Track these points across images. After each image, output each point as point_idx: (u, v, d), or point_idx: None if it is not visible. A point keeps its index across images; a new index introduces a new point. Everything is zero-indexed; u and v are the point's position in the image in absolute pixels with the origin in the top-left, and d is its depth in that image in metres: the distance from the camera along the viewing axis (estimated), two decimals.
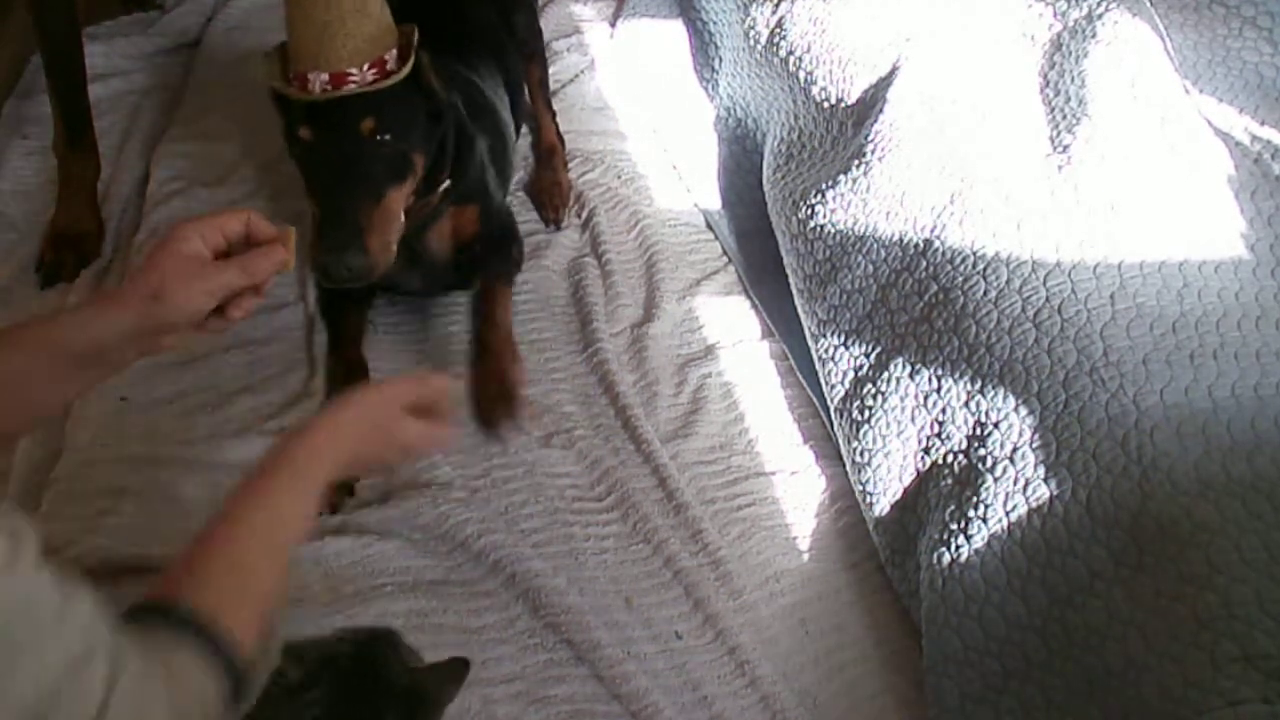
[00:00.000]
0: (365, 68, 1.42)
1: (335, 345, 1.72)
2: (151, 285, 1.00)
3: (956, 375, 1.52)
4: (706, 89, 2.38)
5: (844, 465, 1.70)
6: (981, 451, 1.45)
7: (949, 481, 1.48)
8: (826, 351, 1.75)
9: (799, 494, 1.71)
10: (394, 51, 1.45)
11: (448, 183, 1.62)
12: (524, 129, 2.18)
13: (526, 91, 2.17)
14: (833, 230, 1.79)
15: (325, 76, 1.40)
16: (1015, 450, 1.41)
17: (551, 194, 2.09)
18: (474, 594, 1.50)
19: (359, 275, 1.42)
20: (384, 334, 1.83)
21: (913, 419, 1.56)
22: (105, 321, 1.00)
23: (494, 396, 1.56)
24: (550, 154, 2.15)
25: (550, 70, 2.36)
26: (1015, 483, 1.39)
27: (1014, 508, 1.38)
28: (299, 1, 1.40)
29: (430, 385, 1.08)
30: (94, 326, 0.99)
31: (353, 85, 1.41)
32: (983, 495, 1.42)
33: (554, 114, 2.22)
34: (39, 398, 1.00)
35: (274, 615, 0.88)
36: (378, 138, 1.45)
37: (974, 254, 1.58)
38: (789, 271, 1.91)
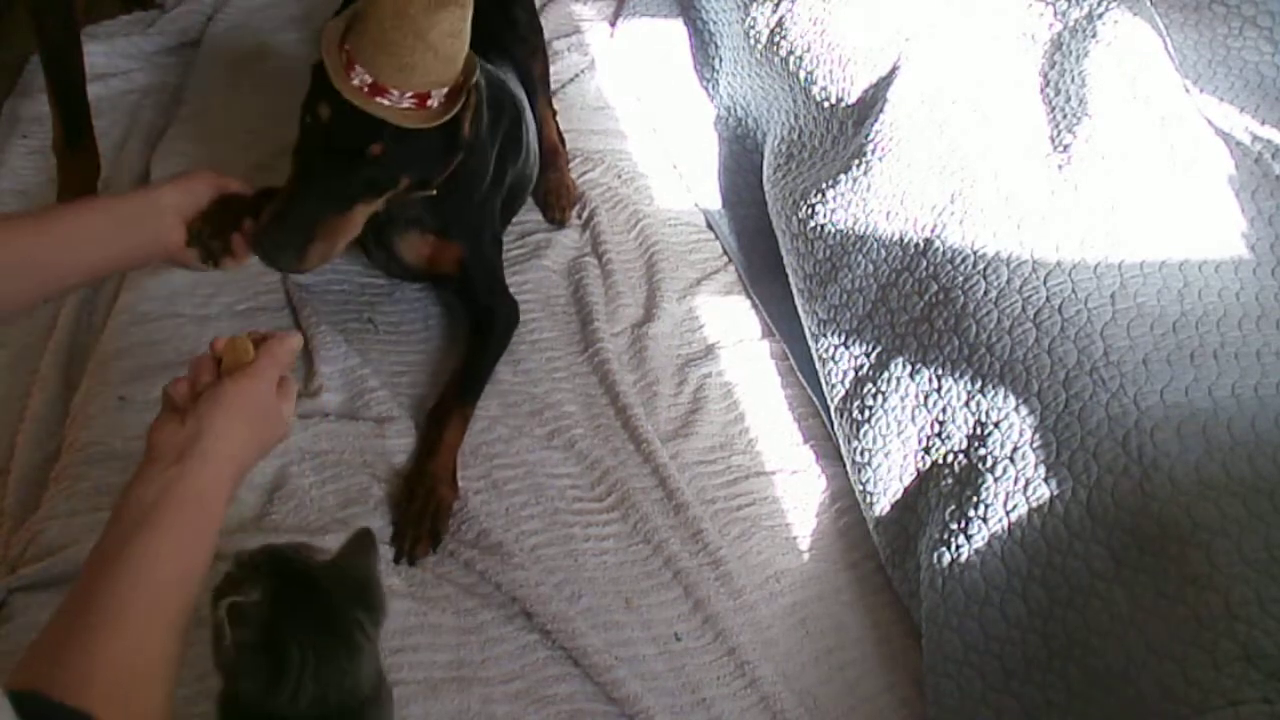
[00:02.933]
0: (407, 94, 1.40)
1: None
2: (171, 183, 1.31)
3: (957, 375, 1.52)
4: (707, 88, 2.38)
5: (844, 465, 1.70)
6: (982, 451, 1.45)
7: (949, 481, 1.48)
8: (827, 351, 1.75)
9: (799, 494, 1.71)
10: (444, 90, 1.43)
11: (432, 191, 1.59)
12: None
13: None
14: (833, 230, 1.79)
15: (369, 79, 1.38)
16: (1016, 450, 1.41)
17: (558, 194, 2.09)
18: (473, 594, 1.50)
19: (285, 270, 1.44)
20: (386, 333, 1.83)
21: (913, 418, 1.56)
22: (141, 196, 1.34)
23: (418, 512, 1.54)
24: (553, 154, 2.14)
25: (550, 70, 2.36)
26: (1016, 482, 1.39)
27: (1014, 507, 1.38)
28: (381, 7, 1.37)
29: (287, 351, 1.12)
30: (134, 194, 1.33)
31: (387, 102, 1.39)
32: (983, 495, 1.42)
33: (555, 112, 2.22)
34: (72, 262, 1.16)
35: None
36: (378, 161, 1.44)
37: (974, 253, 1.58)
38: (789, 271, 1.91)
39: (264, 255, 1.40)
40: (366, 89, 1.39)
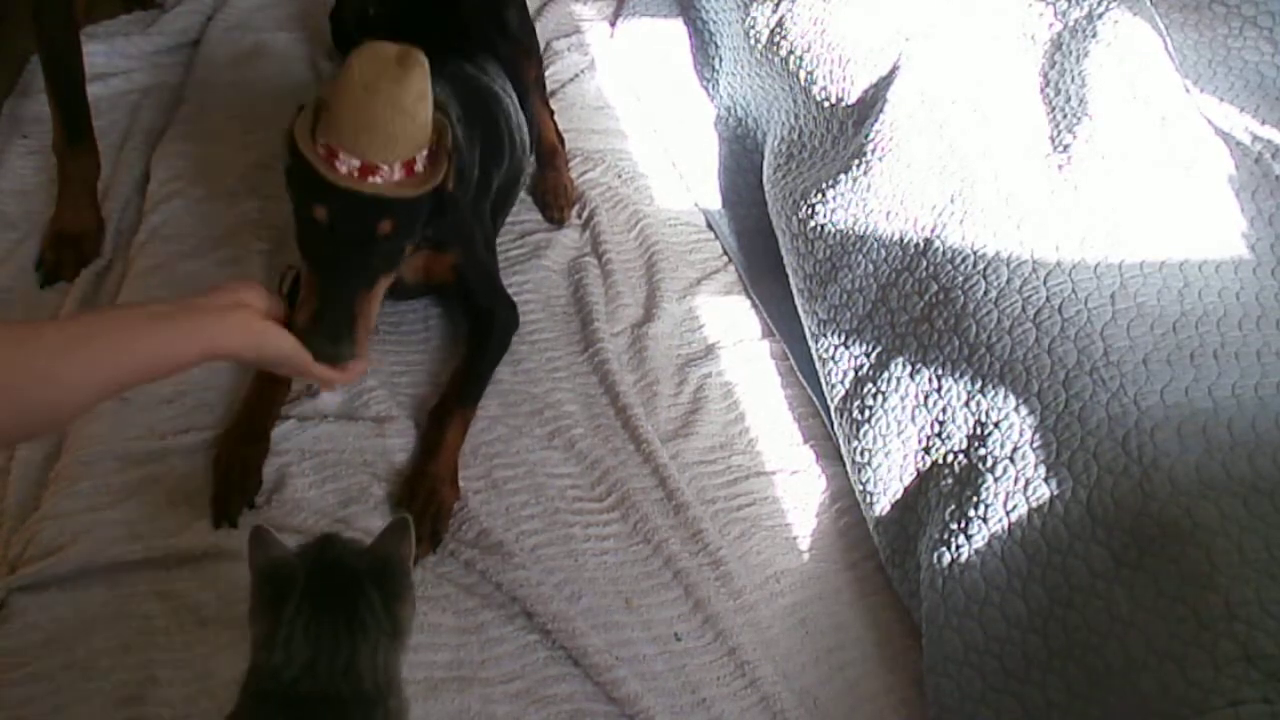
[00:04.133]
0: (397, 165, 1.40)
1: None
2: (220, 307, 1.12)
3: (957, 375, 1.52)
4: (707, 88, 2.38)
5: (844, 465, 1.70)
6: (982, 451, 1.45)
7: (949, 481, 1.48)
8: (827, 351, 1.75)
9: (799, 494, 1.71)
10: (425, 152, 1.44)
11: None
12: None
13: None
14: (833, 230, 1.79)
15: (356, 162, 1.38)
16: (1016, 450, 1.41)
17: (556, 194, 2.09)
18: (473, 594, 1.50)
19: (341, 360, 1.43)
20: (385, 334, 1.83)
21: (913, 418, 1.56)
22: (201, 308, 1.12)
23: (419, 513, 1.54)
24: (552, 154, 2.15)
25: (550, 70, 2.36)
26: (1016, 482, 1.39)
27: (1014, 507, 1.38)
28: (352, 85, 1.37)
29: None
30: (194, 306, 1.10)
31: (380, 180, 1.39)
32: (983, 495, 1.41)
33: (552, 112, 2.22)
34: (90, 387, 0.99)
35: None
36: (389, 237, 1.44)
37: (974, 254, 1.58)
38: (789, 271, 1.91)
39: (321, 353, 1.40)
40: (357, 173, 1.38)
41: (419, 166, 1.43)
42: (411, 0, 1.99)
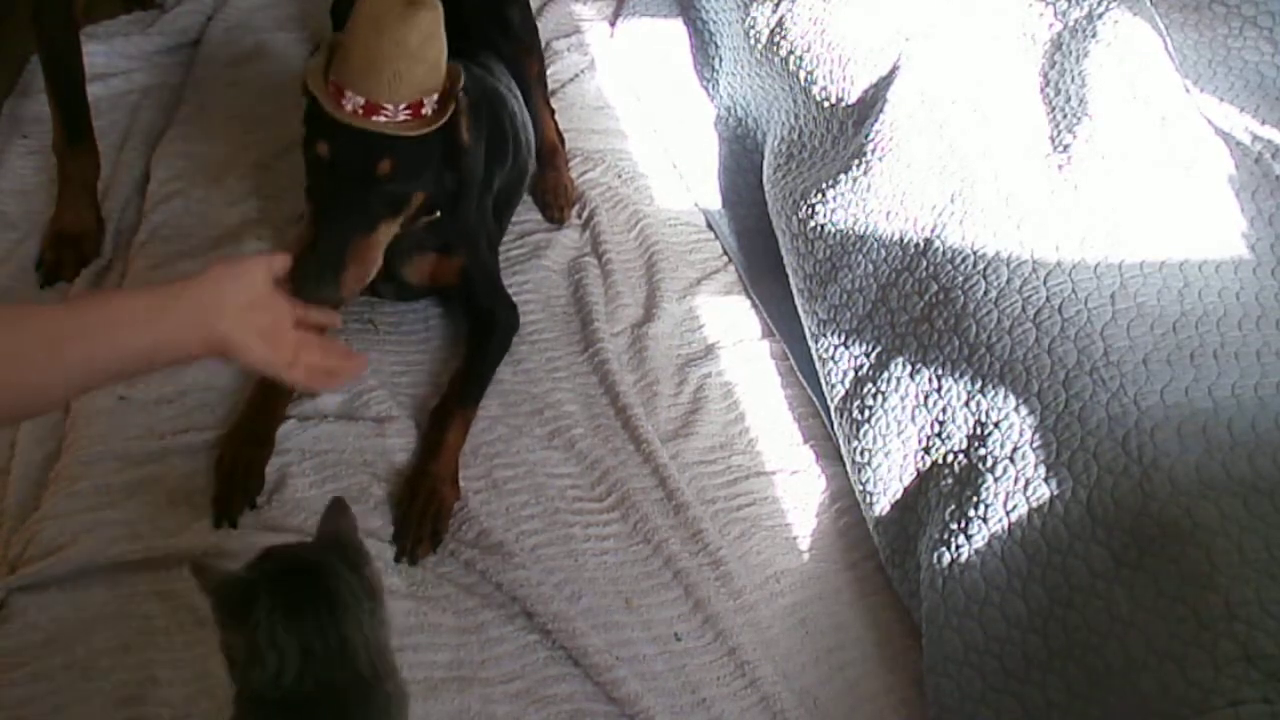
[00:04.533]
0: (401, 106, 1.42)
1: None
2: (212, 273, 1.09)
3: (957, 375, 1.52)
4: (707, 88, 2.38)
5: (844, 465, 1.70)
6: (982, 451, 1.45)
7: (949, 481, 1.48)
8: (827, 351, 1.75)
9: (799, 494, 1.71)
10: (435, 96, 1.46)
11: (436, 214, 1.62)
12: None
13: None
14: (833, 230, 1.79)
15: (361, 100, 1.41)
16: (1016, 450, 1.41)
17: (556, 193, 2.09)
18: (473, 594, 1.50)
19: (329, 302, 1.43)
20: (385, 334, 1.83)
21: (913, 418, 1.56)
22: (182, 285, 1.07)
23: (420, 513, 1.54)
24: (552, 154, 2.15)
25: (550, 69, 2.36)
26: (1016, 482, 1.39)
27: (1014, 507, 1.38)
28: (360, 24, 1.40)
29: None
30: (173, 287, 1.06)
31: (383, 118, 1.41)
32: (983, 495, 1.41)
33: (553, 112, 2.22)
34: (107, 351, 0.99)
35: None
36: (390, 177, 1.46)
37: (974, 254, 1.58)
38: (789, 271, 1.91)
39: (302, 291, 1.40)
40: (361, 111, 1.41)
41: (426, 110, 1.45)
42: None
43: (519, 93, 2.01)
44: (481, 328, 1.78)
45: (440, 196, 1.59)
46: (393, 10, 1.40)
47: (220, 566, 1.04)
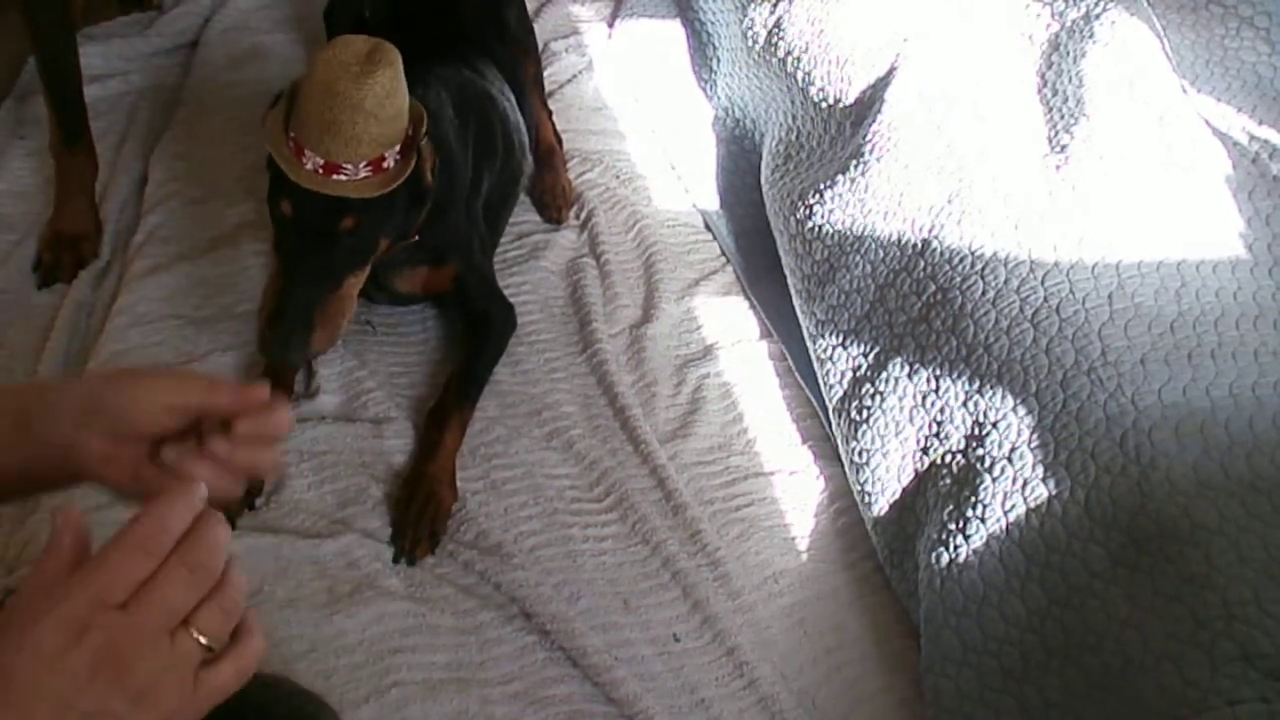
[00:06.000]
0: (362, 164, 1.40)
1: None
2: (110, 375, 0.87)
3: (955, 375, 1.52)
4: (705, 89, 2.38)
5: (842, 465, 1.70)
6: (980, 451, 1.45)
7: (947, 481, 1.48)
8: (825, 352, 1.75)
9: (797, 494, 1.71)
10: (396, 148, 1.44)
11: (414, 238, 1.61)
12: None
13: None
14: (831, 230, 1.79)
15: (320, 161, 1.39)
16: (1014, 450, 1.41)
17: (554, 194, 2.09)
18: (471, 595, 1.50)
19: (295, 364, 1.42)
20: (383, 334, 1.83)
21: (911, 419, 1.56)
22: (54, 390, 0.85)
23: (418, 515, 1.54)
24: (550, 154, 2.15)
25: (548, 70, 2.36)
26: (1014, 482, 1.39)
27: (1012, 508, 1.38)
28: (315, 86, 1.38)
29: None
30: (45, 392, 0.85)
31: (344, 177, 1.40)
32: (981, 495, 1.42)
33: (550, 113, 2.22)
34: None
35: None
36: (353, 232, 1.45)
37: (972, 254, 1.58)
38: (787, 272, 1.91)
39: (271, 355, 1.40)
40: (320, 170, 1.40)
41: (388, 163, 1.44)
42: (408, 1, 2.00)
43: (512, 95, 2.00)
44: (478, 329, 1.78)
45: (410, 226, 1.58)
46: (346, 73, 1.37)
47: None
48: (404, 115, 1.44)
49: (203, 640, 0.63)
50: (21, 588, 0.64)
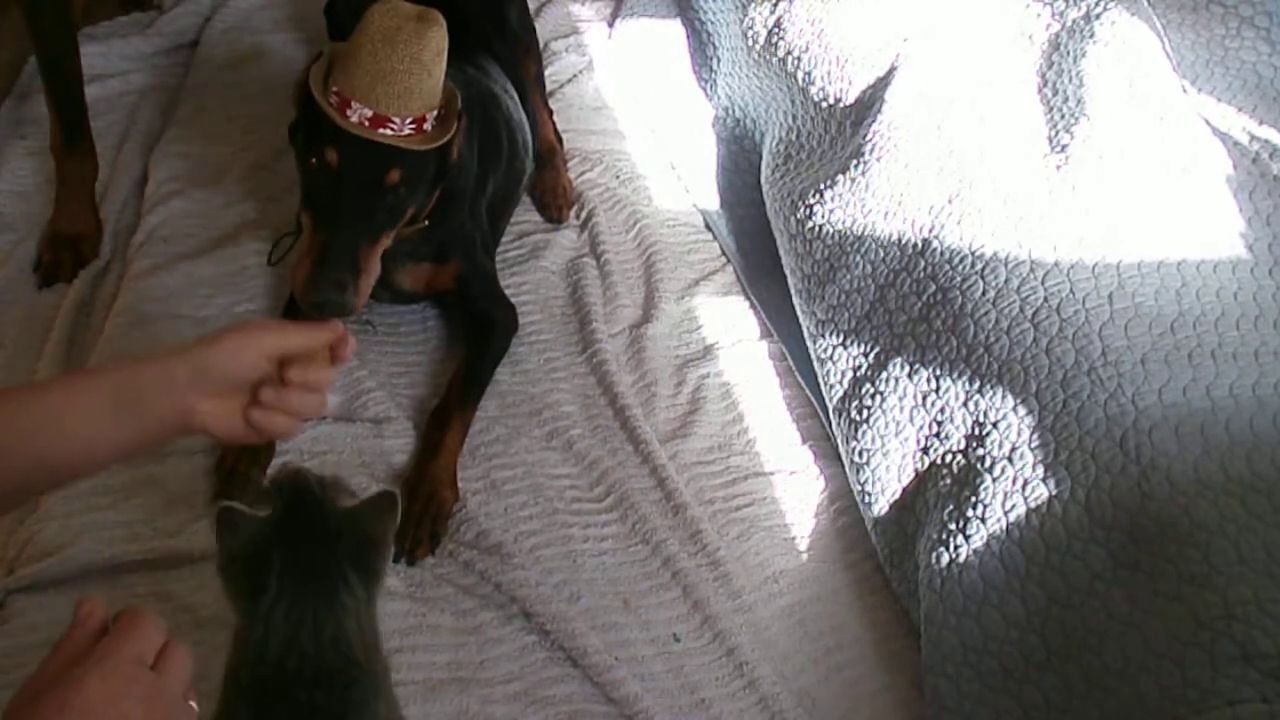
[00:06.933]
0: (407, 120, 1.43)
1: None
2: (209, 338, 0.97)
3: (955, 375, 1.52)
4: (705, 89, 2.38)
5: (842, 465, 1.70)
6: (980, 451, 1.45)
7: (947, 481, 1.48)
8: (825, 351, 1.75)
9: (798, 494, 1.71)
10: (435, 113, 1.47)
11: (424, 223, 1.63)
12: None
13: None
14: (831, 230, 1.79)
15: (369, 112, 1.41)
16: (1014, 450, 1.41)
17: (554, 193, 2.09)
18: (472, 595, 1.50)
19: (345, 312, 1.43)
20: (384, 334, 1.83)
21: (911, 419, 1.56)
22: (153, 365, 0.94)
23: (419, 515, 1.54)
24: (550, 153, 2.15)
25: (548, 70, 2.36)
26: (1014, 482, 1.39)
27: (1013, 507, 1.38)
28: (371, 36, 1.40)
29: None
30: (142, 369, 0.93)
31: (389, 131, 1.42)
32: (981, 495, 1.42)
33: (551, 112, 2.22)
34: (56, 447, 0.88)
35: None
36: (396, 188, 1.47)
37: (972, 254, 1.58)
38: (787, 272, 1.91)
39: (318, 306, 1.39)
40: (368, 123, 1.42)
41: (428, 126, 1.46)
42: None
43: (515, 94, 2.01)
44: (479, 330, 1.78)
45: (428, 200, 1.60)
46: (407, 24, 1.41)
47: (250, 520, 0.98)
48: (442, 80, 1.46)
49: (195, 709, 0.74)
50: (46, 663, 0.70)
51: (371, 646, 1.01)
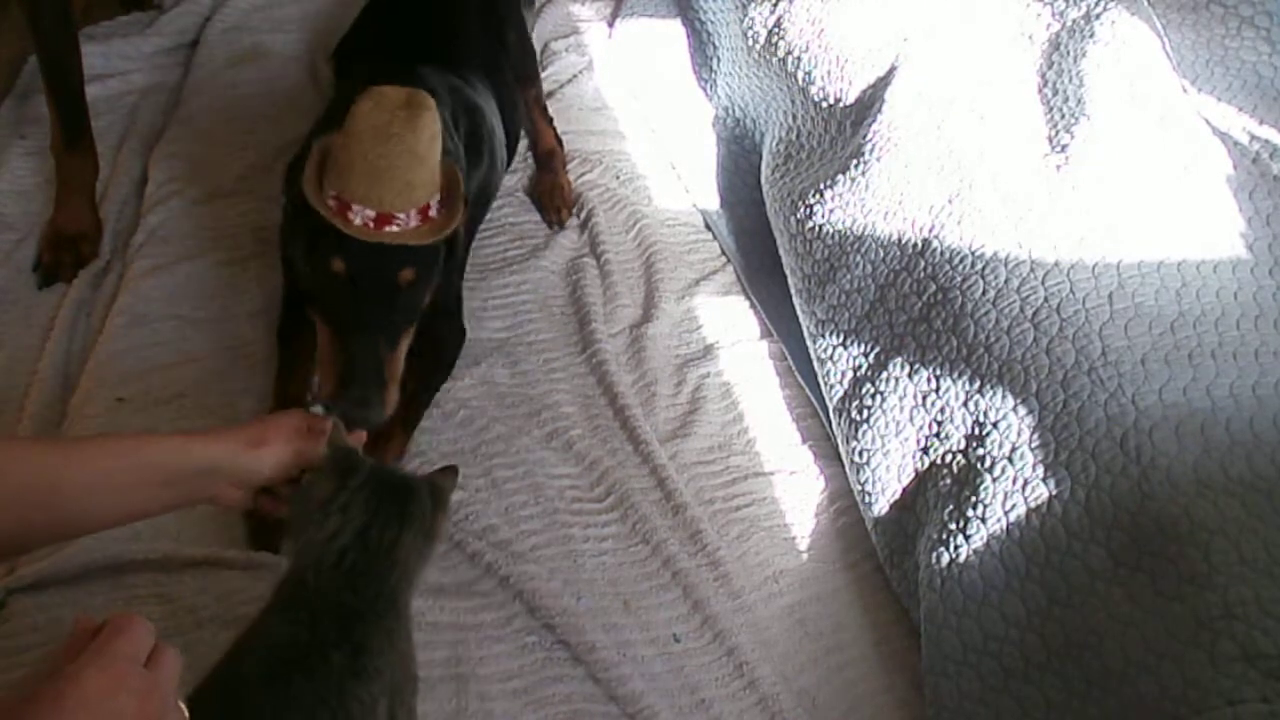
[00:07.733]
0: (413, 212, 1.36)
1: (280, 373, 1.67)
2: (256, 432, 1.13)
3: (955, 375, 1.52)
4: (705, 89, 2.38)
5: (843, 465, 1.70)
6: (980, 451, 1.45)
7: (948, 481, 1.48)
8: (825, 351, 1.75)
9: (798, 494, 1.71)
10: (437, 196, 1.40)
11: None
12: (522, 132, 2.17)
13: (521, 105, 2.15)
14: (831, 230, 1.79)
15: (371, 213, 1.34)
16: (1014, 450, 1.41)
17: (553, 196, 2.09)
18: (471, 593, 1.50)
19: (373, 426, 1.37)
20: None
21: (911, 419, 1.56)
22: (204, 447, 1.09)
23: None
24: (550, 157, 2.15)
25: (548, 71, 2.36)
26: (1014, 482, 1.39)
27: (1013, 507, 1.38)
28: (362, 133, 1.33)
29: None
30: (192, 448, 1.09)
31: (396, 228, 1.35)
32: (981, 495, 1.42)
33: (551, 120, 2.22)
34: (98, 506, 1.01)
35: None
36: (412, 286, 1.41)
37: (972, 254, 1.58)
38: (787, 271, 1.91)
39: (358, 423, 1.33)
40: (372, 224, 1.35)
41: (433, 211, 1.40)
42: (404, 12, 1.98)
43: (498, 111, 1.97)
44: (432, 352, 1.70)
45: (438, 278, 1.54)
46: (397, 116, 1.33)
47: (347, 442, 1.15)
48: (439, 158, 1.40)
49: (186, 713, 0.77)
50: (44, 665, 0.73)
51: (405, 591, 1.10)
